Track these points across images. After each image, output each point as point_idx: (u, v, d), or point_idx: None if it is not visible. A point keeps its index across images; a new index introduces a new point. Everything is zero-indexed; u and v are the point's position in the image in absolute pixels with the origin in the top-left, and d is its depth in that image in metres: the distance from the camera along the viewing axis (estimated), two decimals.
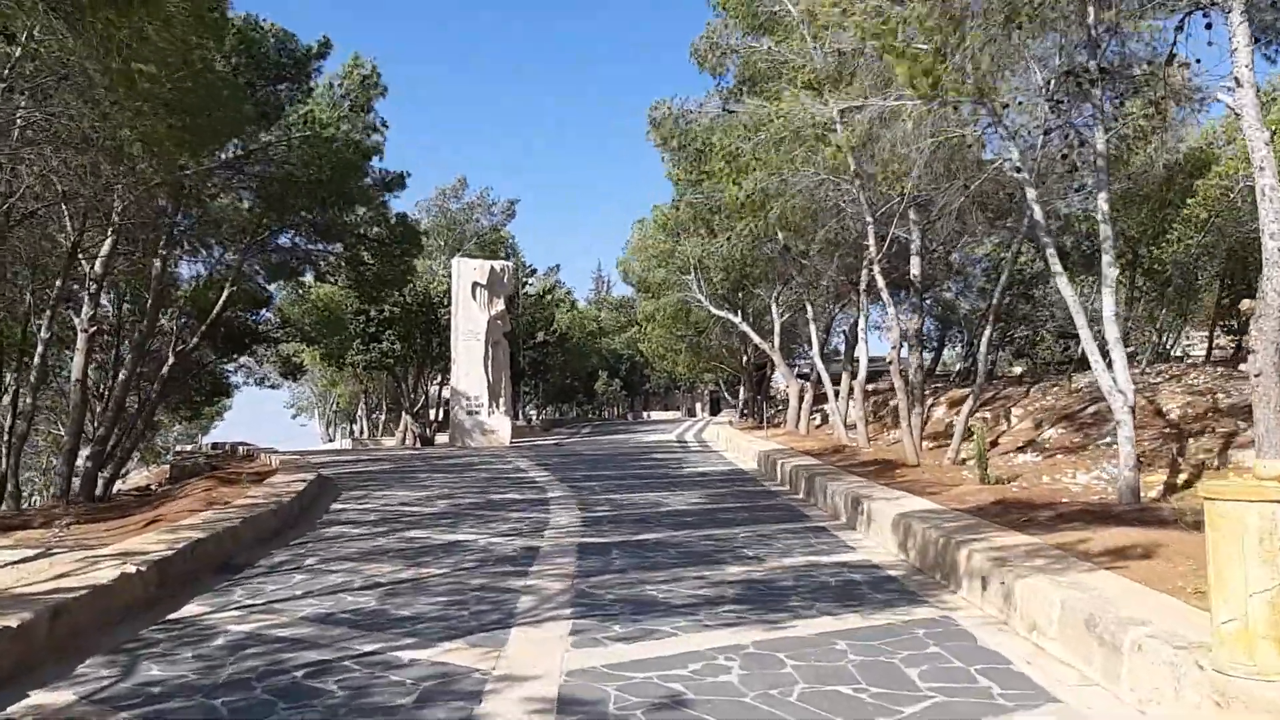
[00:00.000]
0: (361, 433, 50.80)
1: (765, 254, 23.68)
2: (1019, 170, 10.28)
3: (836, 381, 22.72)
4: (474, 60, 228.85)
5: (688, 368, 38.43)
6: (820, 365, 23.56)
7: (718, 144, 14.00)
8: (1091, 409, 15.72)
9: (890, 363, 15.85)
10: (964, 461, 14.20)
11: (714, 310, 28.34)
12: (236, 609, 7.21)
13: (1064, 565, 6.31)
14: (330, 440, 58.54)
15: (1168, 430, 12.68)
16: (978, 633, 5.92)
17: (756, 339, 28.00)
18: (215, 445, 33.57)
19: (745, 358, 35.70)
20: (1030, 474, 12.28)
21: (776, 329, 26.97)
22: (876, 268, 14.38)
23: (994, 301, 14.74)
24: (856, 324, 21.93)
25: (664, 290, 30.43)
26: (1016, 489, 10.76)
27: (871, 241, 14.42)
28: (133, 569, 7.53)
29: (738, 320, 27.99)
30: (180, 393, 29.68)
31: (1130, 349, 15.11)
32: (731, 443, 23.68)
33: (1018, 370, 30.78)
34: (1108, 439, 13.81)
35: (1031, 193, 9.91)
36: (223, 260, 20.37)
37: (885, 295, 14.69)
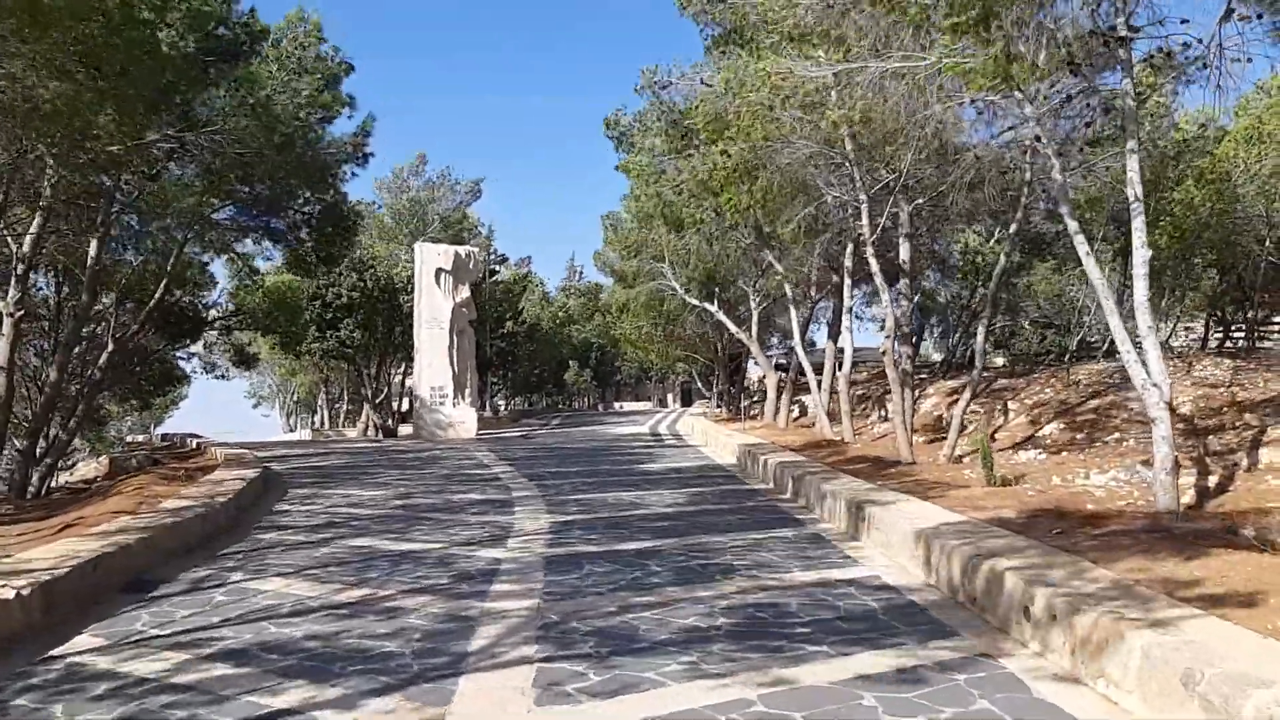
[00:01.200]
0: (322, 424, 49.26)
1: (737, 245, 22.64)
2: (1038, 140, 9.28)
3: (816, 371, 21.67)
4: (461, 55, 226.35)
5: (661, 357, 37.29)
6: (802, 354, 22.52)
7: (700, 110, 12.91)
8: (1092, 403, 14.81)
9: (883, 353, 14.82)
10: (961, 459, 13.23)
11: (689, 299, 27.24)
12: (133, 643, 6.01)
13: (1131, 598, 5.26)
14: (291, 431, 56.95)
15: (1184, 427, 11.74)
16: (1031, 682, 4.86)
17: (733, 327, 26.93)
18: (165, 436, 32.01)
19: (720, 347, 34.64)
20: (1037, 474, 11.30)
21: (754, 318, 25.92)
22: (870, 249, 13.31)
23: (991, 288, 13.74)
24: (839, 312, 20.88)
25: (638, 280, 29.26)
26: (1032, 492, 9.77)
27: (865, 221, 13.33)
28: (11, 593, 6.30)
29: (713, 309, 26.91)
30: (128, 382, 28.07)
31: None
32: (708, 436, 22.62)
33: (999, 361, 30.02)
34: (1115, 435, 12.90)
35: (1056, 164, 8.87)
36: (161, 235, 18.91)
37: (880, 280, 13.62)
